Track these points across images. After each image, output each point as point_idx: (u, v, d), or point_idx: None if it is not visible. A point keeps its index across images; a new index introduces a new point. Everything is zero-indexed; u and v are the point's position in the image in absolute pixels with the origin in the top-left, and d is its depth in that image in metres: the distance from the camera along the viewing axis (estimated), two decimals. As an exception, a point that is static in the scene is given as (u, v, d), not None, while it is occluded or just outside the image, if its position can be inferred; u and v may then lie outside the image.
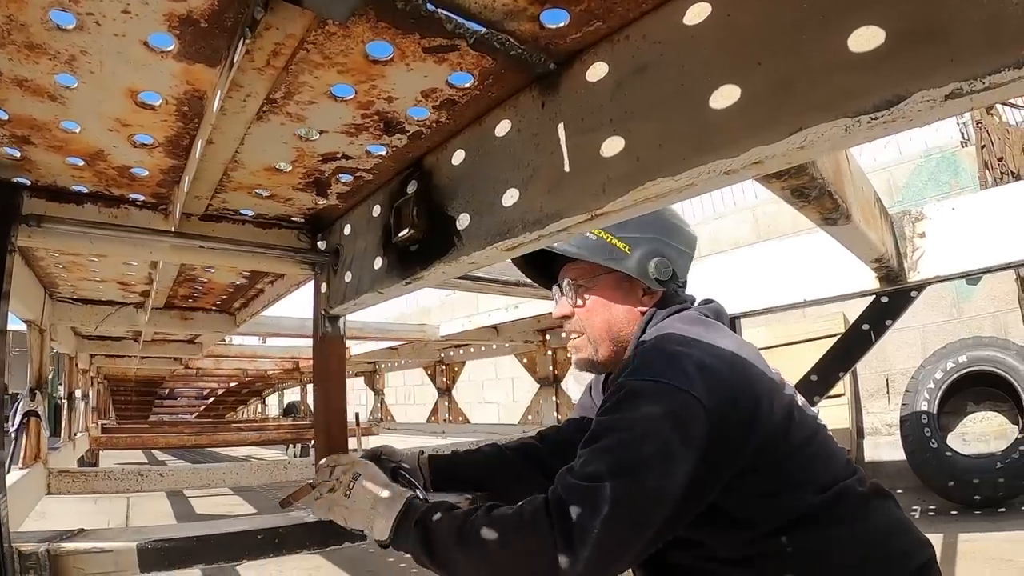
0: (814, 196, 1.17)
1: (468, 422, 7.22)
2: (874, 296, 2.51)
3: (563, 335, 1.58)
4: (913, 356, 5.67)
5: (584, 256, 1.41)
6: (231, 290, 2.93)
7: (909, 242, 2.33)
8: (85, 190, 1.48)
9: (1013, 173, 5.31)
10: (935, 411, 5.08)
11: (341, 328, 1.68)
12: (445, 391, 7.35)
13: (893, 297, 2.49)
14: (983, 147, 5.50)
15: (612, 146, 0.83)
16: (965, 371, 5.06)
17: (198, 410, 13.48)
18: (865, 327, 2.60)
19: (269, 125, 1.13)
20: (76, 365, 4.75)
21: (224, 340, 5.93)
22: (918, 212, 2.35)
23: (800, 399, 1.26)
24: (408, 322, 6.03)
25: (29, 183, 1.41)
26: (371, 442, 6.90)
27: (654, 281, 1.41)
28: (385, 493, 1.29)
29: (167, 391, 11.52)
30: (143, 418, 11.84)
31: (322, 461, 1.44)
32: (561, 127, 0.92)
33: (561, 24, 0.86)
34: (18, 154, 1.25)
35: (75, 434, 4.78)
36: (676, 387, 1.06)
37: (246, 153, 1.25)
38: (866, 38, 0.65)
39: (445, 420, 7.14)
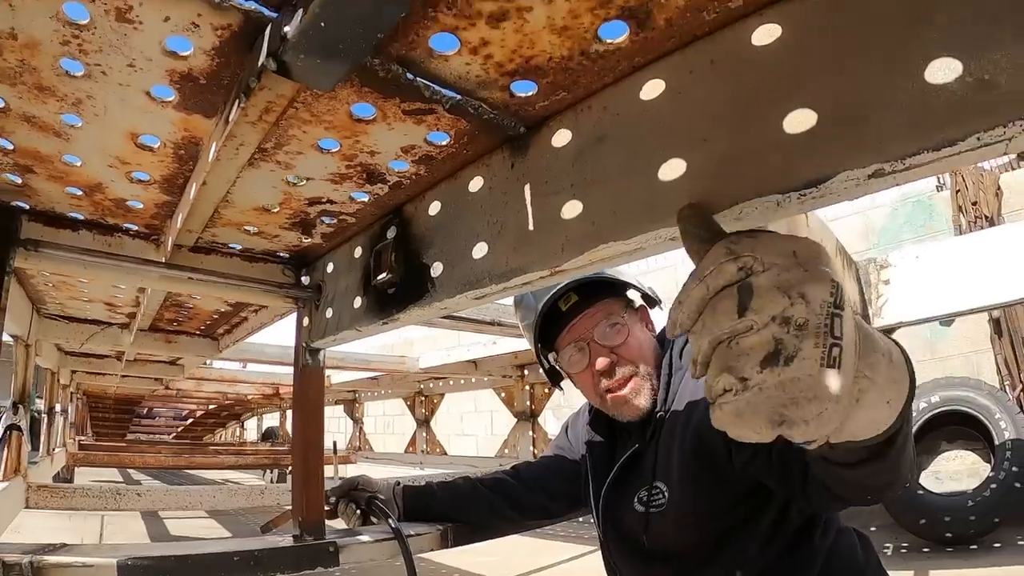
0: (764, 253, 1.25)
1: (445, 454, 7.25)
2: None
3: (602, 389, 1.45)
4: (888, 395, 5.76)
5: (633, 285, 1.50)
6: (216, 316, 2.97)
7: (874, 289, 2.41)
8: (81, 217, 1.53)
9: (987, 217, 5.45)
10: (907, 449, 5.16)
11: (321, 360, 1.73)
12: (424, 422, 7.39)
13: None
14: (958, 192, 5.66)
15: (571, 209, 0.91)
16: (938, 410, 5.15)
17: (176, 431, 13.38)
18: (835, 367, 2.67)
19: (259, 171, 1.20)
20: (58, 380, 4.76)
21: (206, 363, 5.94)
22: (883, 260, 2.44)
23: None
24: (391, 352, 6.08)
25: (27, 207, 1.46)
26: (348, 470, 6.90)
27: (654, 303, 1.54)
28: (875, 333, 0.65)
29: (146, 410, 11.45)
30: (120, 436, 11.73)
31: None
32: (528, 188, 1.00)
33: (530, 93, 0.94)
34: (19, 181, 1.30)
35: (53, 449, 4.77)
36: None
37: (237, 194, 1.32)
38: (800, 120, 0.71)
39: (423, 451, 7.17)
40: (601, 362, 1.42)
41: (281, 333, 3.07)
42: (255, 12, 0.81)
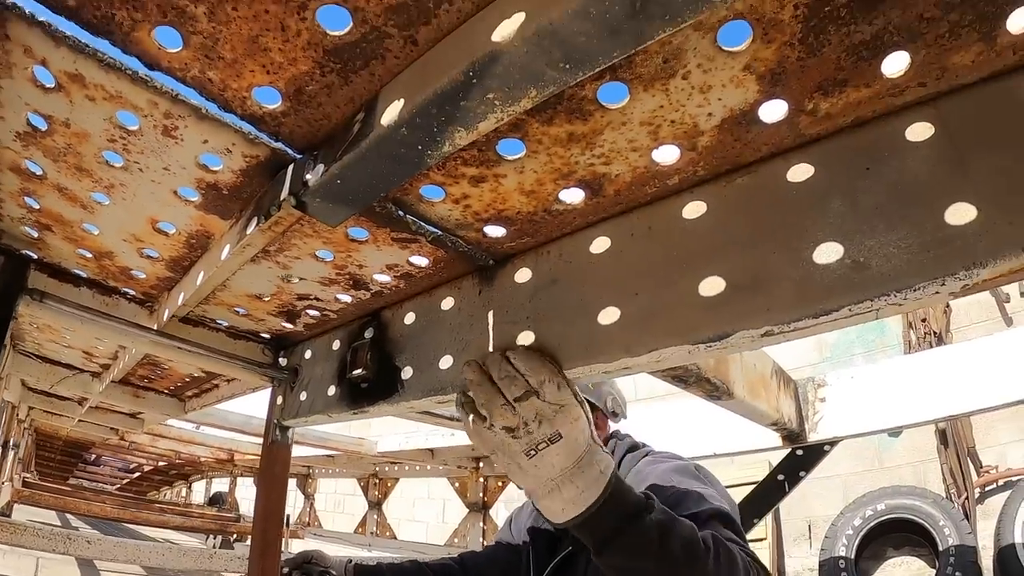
0: (692, 381, 1.41)
1: (395, 537, 7.14)
2: (790, 448, 2.72)
3: None
4: (835, 503, 5.87)
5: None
6: (187, 380, 3.03)
7: (811, 406, 2.57)
8: (84, 275, 1.65)
9: (935, 333, 5.69)
10: (852, 556, 5.28)
11: (289, 438, 1.83)
12: (376, 504, 7.28)
13: (807, 450, 2.70)
14: (908, 309, 5.92)
15: (525, 338, 1.08)
16: (883, 518, 5.29)
17: (121, 483, 12.95)
18: (780, 477, 2.80)
19: (259, 266, 1.36)
20: (16, 415, 4.70)
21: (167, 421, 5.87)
22: (821, 379, 2.62)
23: None
24: (349, 430, 6.03)
25: (35, 257, 1.57)
26: (295, 545, 6.75)
27: (612, 414, 1.69)
28: (592, 472, 0.99)
29: (93, 457, 11.12)
30: (63, 479, 11.30)
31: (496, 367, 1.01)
32: (491, 315, 1.17)
33: (499, 235, 1.13)
34: (36, 235, 1.42)
35: (2, 483, 4.67)
36: None
37: (234, 281, 1.47)
38: (712, 285, 0.89)
39: (373, 533, 7.04)
40: None
41: (244, 401, 3.12)
42: (281, 151, 1.00)
